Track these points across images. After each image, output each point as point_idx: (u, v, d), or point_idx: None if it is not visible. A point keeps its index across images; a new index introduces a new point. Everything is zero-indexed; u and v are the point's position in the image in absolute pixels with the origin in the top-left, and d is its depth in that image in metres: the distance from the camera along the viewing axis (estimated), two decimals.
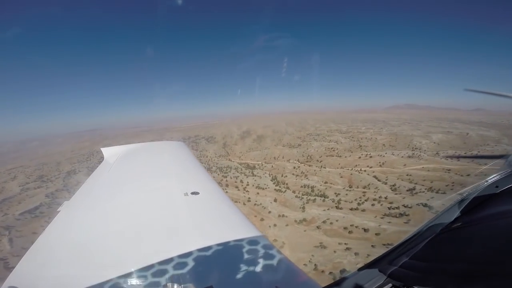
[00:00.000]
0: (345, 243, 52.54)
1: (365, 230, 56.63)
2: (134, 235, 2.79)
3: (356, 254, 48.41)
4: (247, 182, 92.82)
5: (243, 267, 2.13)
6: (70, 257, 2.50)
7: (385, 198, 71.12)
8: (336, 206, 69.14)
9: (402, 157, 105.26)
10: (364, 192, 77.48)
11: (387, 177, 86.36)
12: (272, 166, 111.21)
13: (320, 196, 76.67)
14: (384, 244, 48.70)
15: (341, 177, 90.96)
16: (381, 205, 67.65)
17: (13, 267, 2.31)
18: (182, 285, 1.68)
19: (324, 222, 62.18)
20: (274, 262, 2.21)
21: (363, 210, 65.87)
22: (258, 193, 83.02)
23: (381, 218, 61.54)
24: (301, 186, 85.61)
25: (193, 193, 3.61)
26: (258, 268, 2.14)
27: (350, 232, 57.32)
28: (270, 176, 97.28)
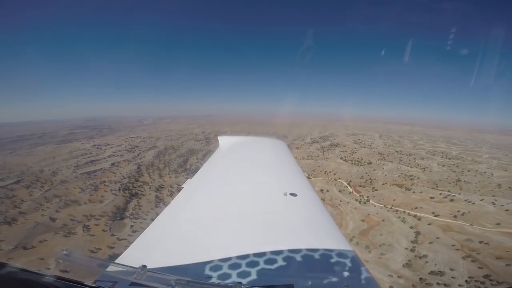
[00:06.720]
0: None
1: None
2: (236, 223, 3.07)
3: None
4: None
5: (330, 278, 2.11)
6: (182, 232, 2.89)
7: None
8: None
9: (508, 210, 64.15)
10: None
11: (437, 238, 55.40)
12: None
13: None
14: None
15: (363, 220, 66.49)
16: None
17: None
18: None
19: None
20: (360, 280, 2.14)
21: None
22: None
23: None
24: None
25: (291, 194, 3.74)
26: (342, 282, 2.09)
27: None
28: None
